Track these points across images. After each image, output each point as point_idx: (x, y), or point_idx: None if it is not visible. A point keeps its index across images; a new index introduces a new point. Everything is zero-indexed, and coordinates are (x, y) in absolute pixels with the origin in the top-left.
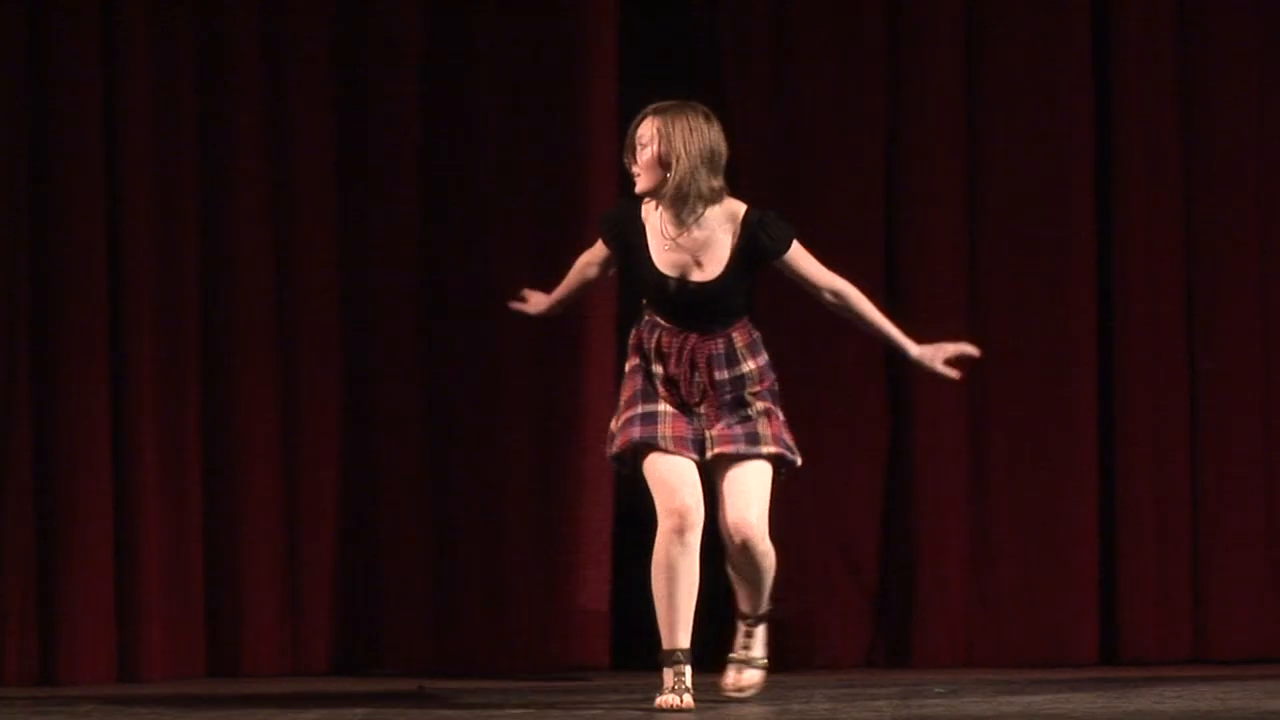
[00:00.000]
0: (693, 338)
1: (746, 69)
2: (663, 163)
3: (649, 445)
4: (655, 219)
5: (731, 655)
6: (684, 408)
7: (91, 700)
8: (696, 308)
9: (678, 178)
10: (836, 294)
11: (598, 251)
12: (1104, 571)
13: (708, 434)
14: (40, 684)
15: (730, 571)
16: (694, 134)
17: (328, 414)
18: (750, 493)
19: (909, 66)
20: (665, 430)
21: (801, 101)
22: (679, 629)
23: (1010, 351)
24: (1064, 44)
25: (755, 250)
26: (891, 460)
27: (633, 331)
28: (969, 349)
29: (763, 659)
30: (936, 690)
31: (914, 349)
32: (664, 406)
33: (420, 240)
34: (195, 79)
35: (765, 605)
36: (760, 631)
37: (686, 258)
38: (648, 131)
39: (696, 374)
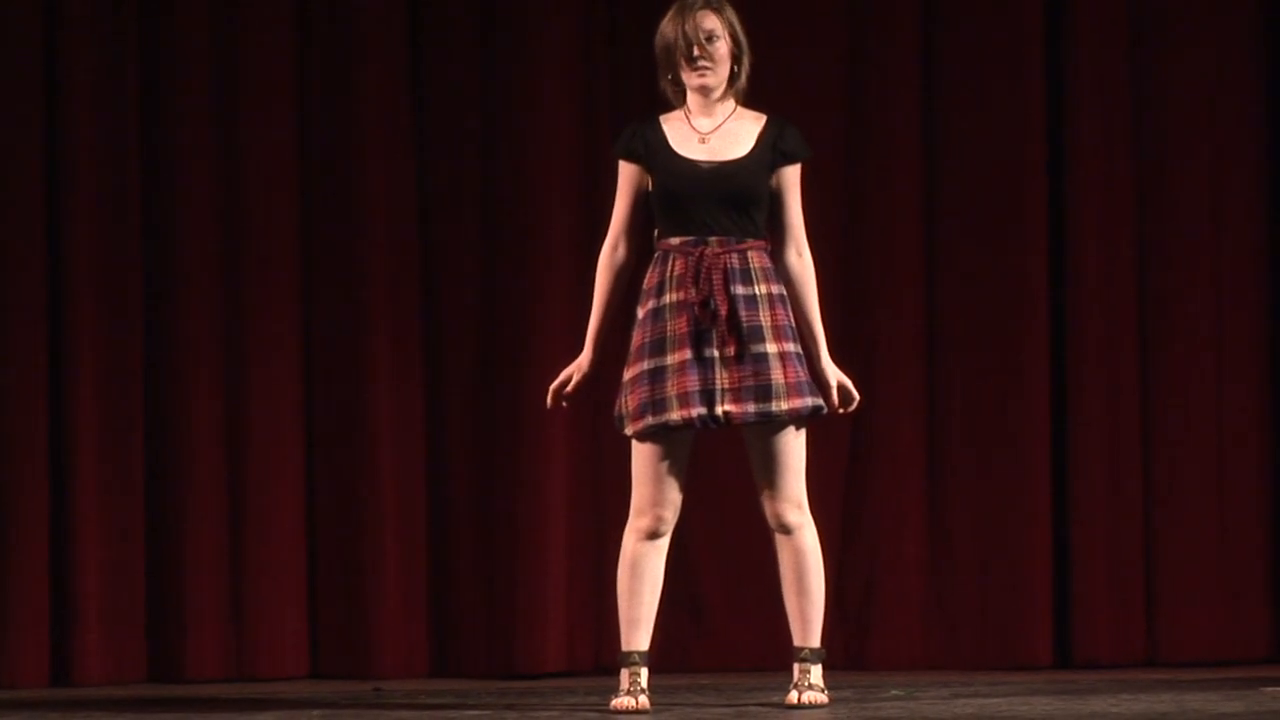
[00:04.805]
0: (709, 250)
1: None
2: (733, 57)
3: (652, 431)
4: (677, 122)
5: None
6: (696, 344)
7: (32, 705)
8: (724, 197)
9: (746, 71)
10: (800, 256)
11: (630, 183)
12: (1058, 575)
13: (718, 385)
14: None
15: (780, 584)
16: (741, 28)
17: (277, 411)
18: (779, 469)
19: (867, 52)
20: (671, 390)
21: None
22: (638, 630)
23: (965, 360)
24: (1016, 36)
25: (777, 145)
26: (849, 466)
27: (645, 277)
28: (857, 399)
29: (824, 691)
30: (893, 692)
31: (825, 361)
32: (672, 358)
33: (393, 244)
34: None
35: (819, 635)
36: (817, 672)
37: (717, 147)
38: (716, 24)
39: (713, 292)
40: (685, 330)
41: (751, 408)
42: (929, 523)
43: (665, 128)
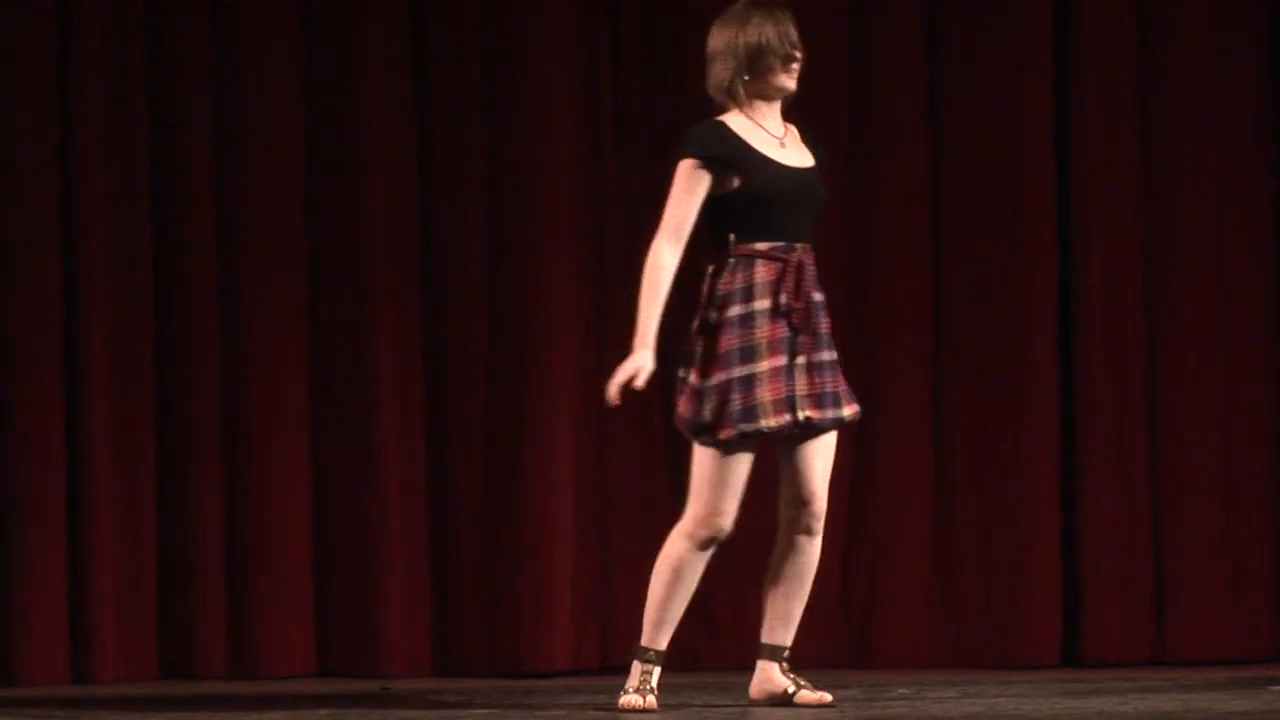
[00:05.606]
0: (795, 254)
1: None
2: None
3: (743, 438)
4: (745, 125)
5: (800, 688)
6: (786, 350)
7: (49, 702)
8: (809, 203)
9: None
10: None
11: (699, 187)
12: (1066, 573)
13: (798, 391)
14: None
15: (775, 582)
16: None
17: (284, 413)
18: (824, 475)
19: (870, 53)
20: (764, 395)
21: None
22: (663, 629)
23: (972, 358)
24: (1024, 44)
25: (817, 154)
26: (856, 464)
27: (713, 282)
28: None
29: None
30: (900, 691)
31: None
32: (764, 365)
33: (396, 237)
34: (148, 88)
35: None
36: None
37: (793, 153)
38: (797, 36)
39: (802, 293)
40: (779, 336)
41: (830, 413)
42: (935, 521)
43: (736, 130)
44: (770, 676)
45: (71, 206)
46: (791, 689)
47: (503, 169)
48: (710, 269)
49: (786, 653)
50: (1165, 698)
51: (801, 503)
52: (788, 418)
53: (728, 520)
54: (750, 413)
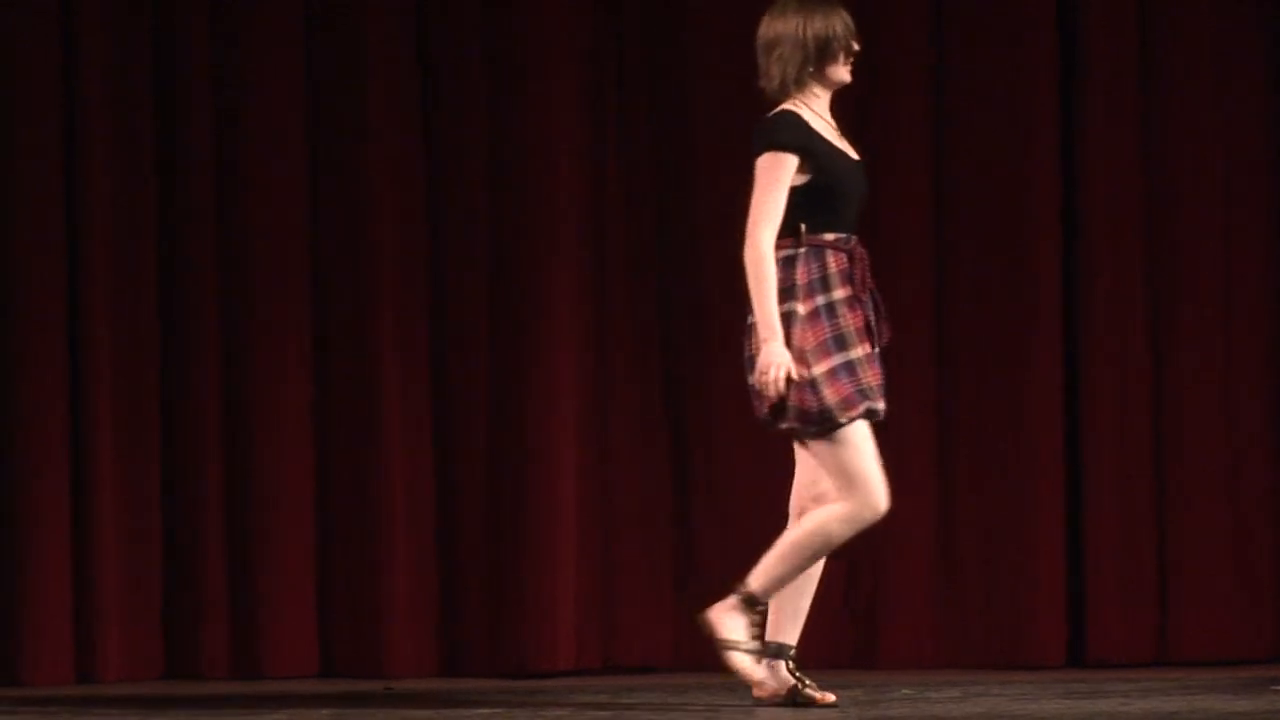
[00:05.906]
0: (854, 244)
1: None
2: None
3: (867, 414)
4: (811, 116)
5: (805, 687)
6: (866, 339)
7: (53, 701)
8: (864, 195)
9: None
10: None
11: (785, 177)
12: (1069, 574)
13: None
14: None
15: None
16: None
17: (287, 413)
18: None
19: (870, 62)
20: (869, 379)
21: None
22: (773, 592)
23: (977, 359)
24: (1027, 43)
25: None
26: None
27: (787, 272)
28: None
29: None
30: (903, 692)
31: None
32: (857, 351)
33: (404, 243)
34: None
35: None
36: None
37: (848, 145)
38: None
39: (868, 283)
40: (860, 325)
41: (883, 404)
42: (939, 521)
43: (807, 121)
44: (775, 675)
45: (74, 206)
46: (796, 688)
47: (504, 169)
48: (776, 259)
49: (793, 651)
50: (1168, 698)
51: (822, 497)
52: (883, 403)
53: (884, 512)
54: (865, 393)
